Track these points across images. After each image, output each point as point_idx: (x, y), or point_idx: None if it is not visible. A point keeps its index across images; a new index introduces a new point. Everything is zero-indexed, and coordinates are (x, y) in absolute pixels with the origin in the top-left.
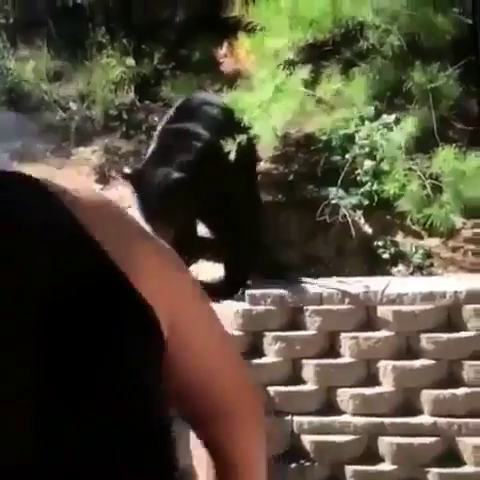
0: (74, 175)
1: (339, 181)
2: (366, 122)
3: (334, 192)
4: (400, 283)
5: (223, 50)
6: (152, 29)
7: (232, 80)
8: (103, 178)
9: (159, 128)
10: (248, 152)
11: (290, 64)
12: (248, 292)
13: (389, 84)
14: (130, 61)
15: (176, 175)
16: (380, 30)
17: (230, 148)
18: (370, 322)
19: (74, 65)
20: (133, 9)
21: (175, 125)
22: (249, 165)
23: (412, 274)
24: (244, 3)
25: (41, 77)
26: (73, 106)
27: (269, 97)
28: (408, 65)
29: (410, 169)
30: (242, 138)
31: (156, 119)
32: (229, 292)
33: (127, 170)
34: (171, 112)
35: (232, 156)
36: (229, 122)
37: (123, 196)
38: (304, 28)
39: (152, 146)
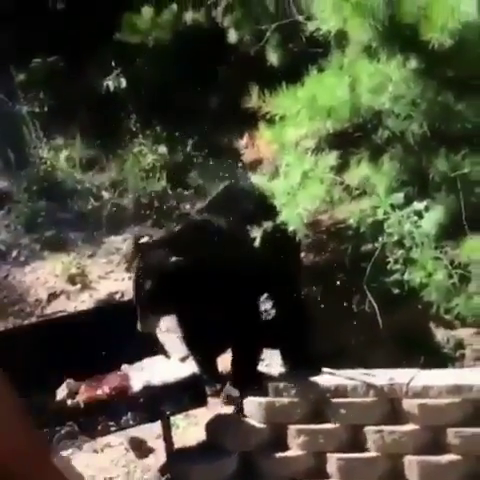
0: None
1: (368, 269)
2: (393, 209)
3: (363, 281)
4: (427, 375)
5: (244, 141)
6: (185, 116)
7: (254, 169)
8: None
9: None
10: (287, 243)
11: (317, 151)
12: (271, 384)
13: (414, 172)
14: (162, 149)
15: (174, 259)
16: (400, 118)
17: (255, 235)
18: (395, 415)
19: (107, 153)
20: (165, 96)
21: (202, 216)
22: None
23: (442, 366)
24: (261, 94)
25: (74, 166)
26: (105, 194)
27: (297, 183)
28: (432, 152)
29: (437, 258)
30: (268, 225)
31: (187, 207)
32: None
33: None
34: (208, 200)
35: (257, 243)
36: (264, 211)
37: None
38: (322, 117)
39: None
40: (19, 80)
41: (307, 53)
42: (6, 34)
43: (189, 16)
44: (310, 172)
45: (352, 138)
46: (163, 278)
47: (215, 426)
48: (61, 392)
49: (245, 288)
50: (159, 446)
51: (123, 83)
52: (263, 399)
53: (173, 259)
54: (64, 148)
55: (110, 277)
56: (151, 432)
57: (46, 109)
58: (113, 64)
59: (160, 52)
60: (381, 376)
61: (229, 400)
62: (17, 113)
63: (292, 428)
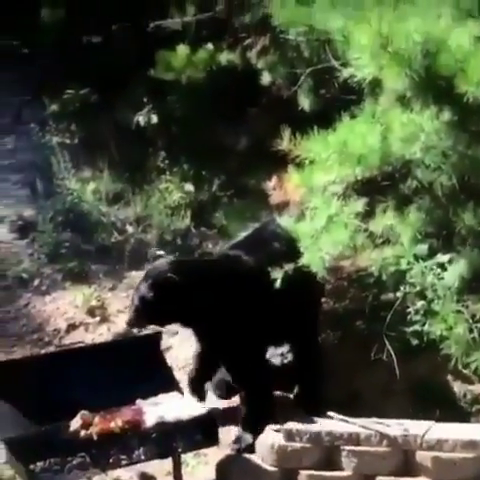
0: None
1: (388, 318)
2: (417, 260)
3: (382, 330)
4: (442, 428)
5: (272, 182)
6: (213, 155)
7: (281, 211)
8: None
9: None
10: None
11: (344, 197)
12: (284, 427)
13: (439, 224)
14: (189, 187)
15: (168, 274)
16: (430, 169)
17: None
18: (408, 467)
19: (133, 188)
20: (195, 134)
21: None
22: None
23: (458, 420)
24: (293, 137)
25: (100, 199)
26: (129, 229)
27: (321, 227)
28: (459, 205)
29: (458, 311)
30: (289, 267)
31: (210, 246)
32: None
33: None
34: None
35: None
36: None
37: None
38: (352, 164)
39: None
40: (51, 110)
41: (339, 99)
42: (40, 64)
43: (224, 56)
44: (335, 217)
45: (379, 186)
46: (152, 285)
47: (225, 467)
48: (75, 423)
49: (251, 331)
50: None
51: (154, 119)
52: (275, 442)
53: (167, 274)
54: (91, 180)
55: None
56: (161, 468)
57: (76, 141)
58: (145, 100)
59: (193, 90)
60: (396, 426)
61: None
62: (47, 143)
63: (303, 473)
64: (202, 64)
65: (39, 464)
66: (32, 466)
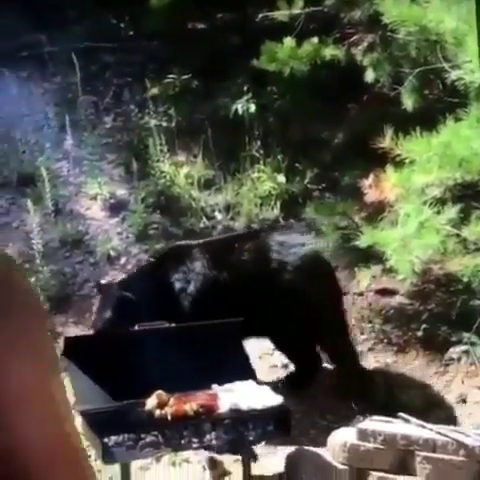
0: None
1: (474, 326)
2: None
3: (467, 337)
4: None
5: (369, 181)
6: (308, 148)
7: (376, 211)
8: None
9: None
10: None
11: (438, 202)
12: (358, 426)
13: None
14: (281, 178)
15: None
16: None
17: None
18: None
19: (225, 175)
20: (292, 126)
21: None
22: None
23: None
24: (395, 136)
25: (192, 183)
26: (218, 215)
27: (412, 232)
28: None
29: None
30: None
31: None
32: None
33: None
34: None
35: None
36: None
37: None
38: (453, 167)
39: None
40: (151, 94)
41: (442, 101)
42: (144, 47)
43: (329, 51)
44: (426, 222)
45: (476, 192)
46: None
47: (295, 459)
48: (151, 402)
49: None
50: (236, 470)
51: (252, 108)
52: (348, 441)
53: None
54: (185, 165)
55: None
56: (230, 455)
57: (173, 125)
58: (245, 89)
59: (294, 83)
60: (474, 436)
61: None
62: (144, 125)
63: (374, 475)
64: (306, 57)
65: (113, 438)
66: (106, 439)
